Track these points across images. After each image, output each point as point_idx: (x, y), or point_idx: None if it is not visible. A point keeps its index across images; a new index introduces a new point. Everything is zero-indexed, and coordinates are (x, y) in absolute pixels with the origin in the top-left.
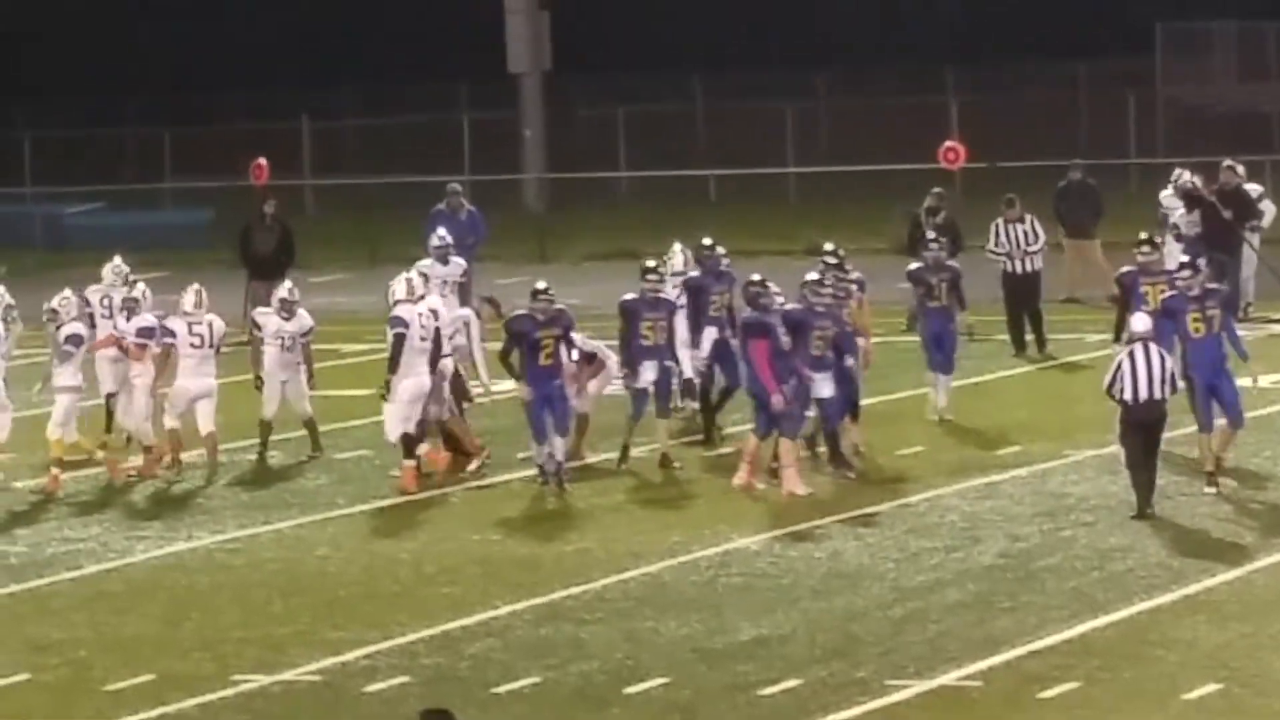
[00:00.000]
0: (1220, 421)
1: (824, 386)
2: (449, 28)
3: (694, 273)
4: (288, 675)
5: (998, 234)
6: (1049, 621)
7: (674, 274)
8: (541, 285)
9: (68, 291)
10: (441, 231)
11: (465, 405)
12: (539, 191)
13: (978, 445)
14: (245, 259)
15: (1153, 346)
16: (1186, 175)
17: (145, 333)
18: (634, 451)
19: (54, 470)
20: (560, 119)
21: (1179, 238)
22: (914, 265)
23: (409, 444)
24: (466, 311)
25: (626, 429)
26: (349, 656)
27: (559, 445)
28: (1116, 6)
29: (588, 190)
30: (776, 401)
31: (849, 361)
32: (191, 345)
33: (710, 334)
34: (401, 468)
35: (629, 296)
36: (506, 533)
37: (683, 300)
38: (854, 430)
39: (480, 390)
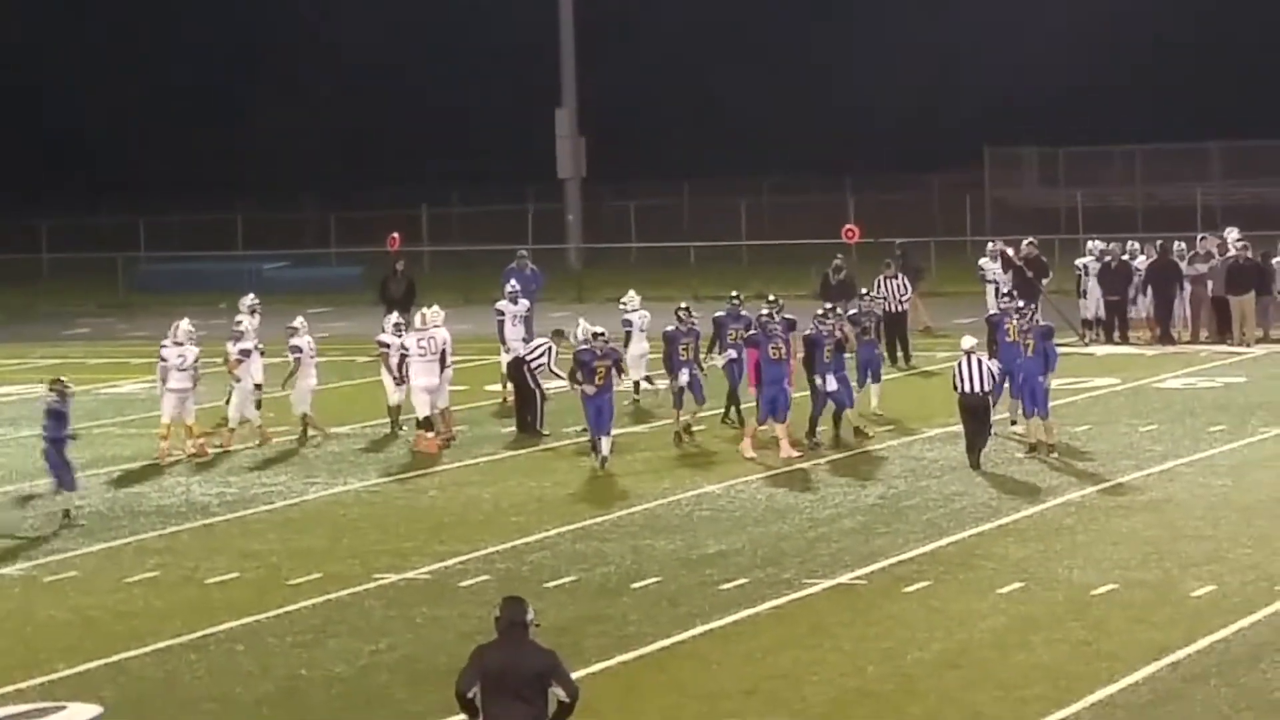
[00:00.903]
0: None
1: (832, 382)
2: (520, 148)
3: (719, 313)
4: (409, 574)
5: (878, 286)
6: (911, 541)
7: (633, 310)
8: (599, 330)
9: (178, 322)
10: (513, 282)
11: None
12: (577, 256)
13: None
14: (383, 300)
15: (975, 356)
16: (1007, 249)
17: (244, 353)
18: (639, 429)
19: (163, 445)
20: (592, 208)
21: (997, 291)
22: (852, 311)
23: (424, 423)
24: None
25: (677, 416)
26: (449, 562)
27: (605, 444)
28: (960, 135)
29: (610, 255)
30: (754, 392)
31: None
32: (309, 356)
33: (729, 353)
34: (419, 436)
35: (670, 328)
36: (556, 481)
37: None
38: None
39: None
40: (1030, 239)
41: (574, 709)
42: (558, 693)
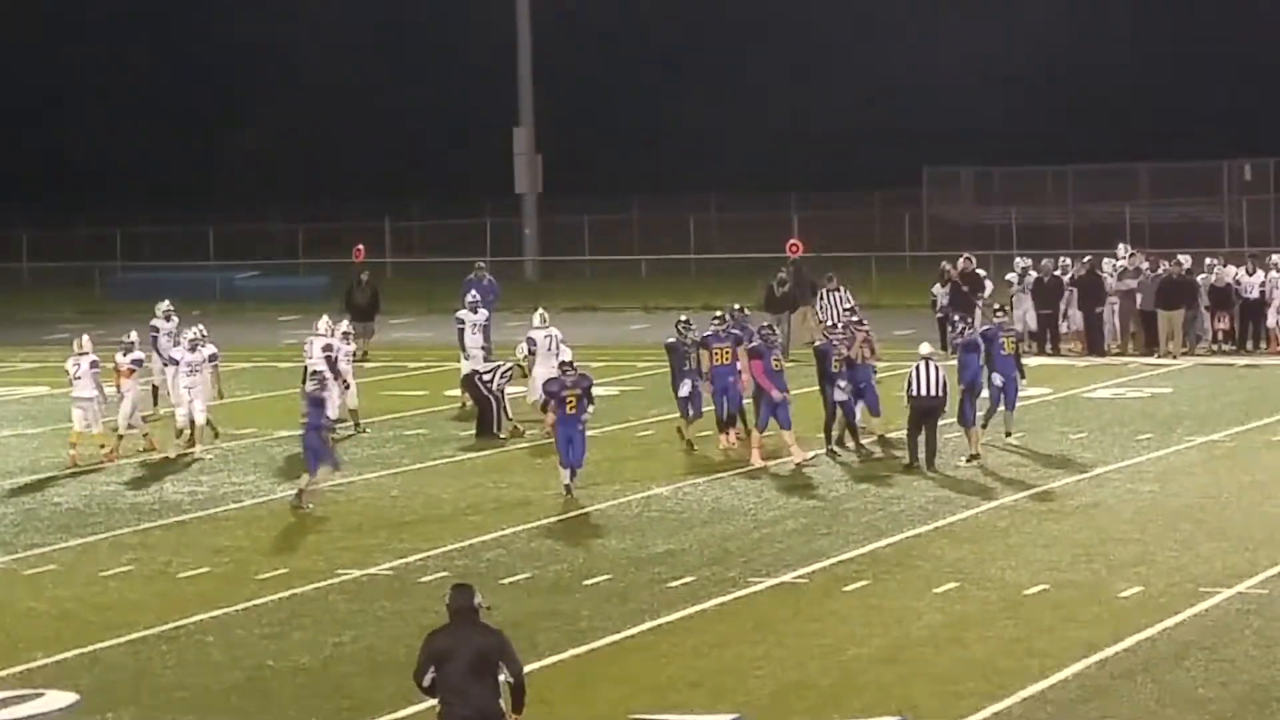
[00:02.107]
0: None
1: (841, 393)
2: (479, 164)
3: (735, 330)
4: (371, 570)
5: (821, 298)
6: (851, 542)
7: (537, 326)
8: (568, 358)
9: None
10: (473, 292)
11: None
12: (533, 268)
13: (809, 431)
14: (349, 308)
15: (931, 363)
16: (955, 264)
17: (136, 363)
18: (589, 433)
19: (71, 452)
20: (548, 223)
21: (934, 305)
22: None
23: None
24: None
25: (684, 424)
26: (410, 559)
27: (567, 472)
28: (899, 155)
29: (564, 268)
30: (776, 396)
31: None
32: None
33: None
34: None
35: (671, 340)
36: (512, 483)
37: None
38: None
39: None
40: (966, 255)
41: (524, 689)
42: (503, 675)
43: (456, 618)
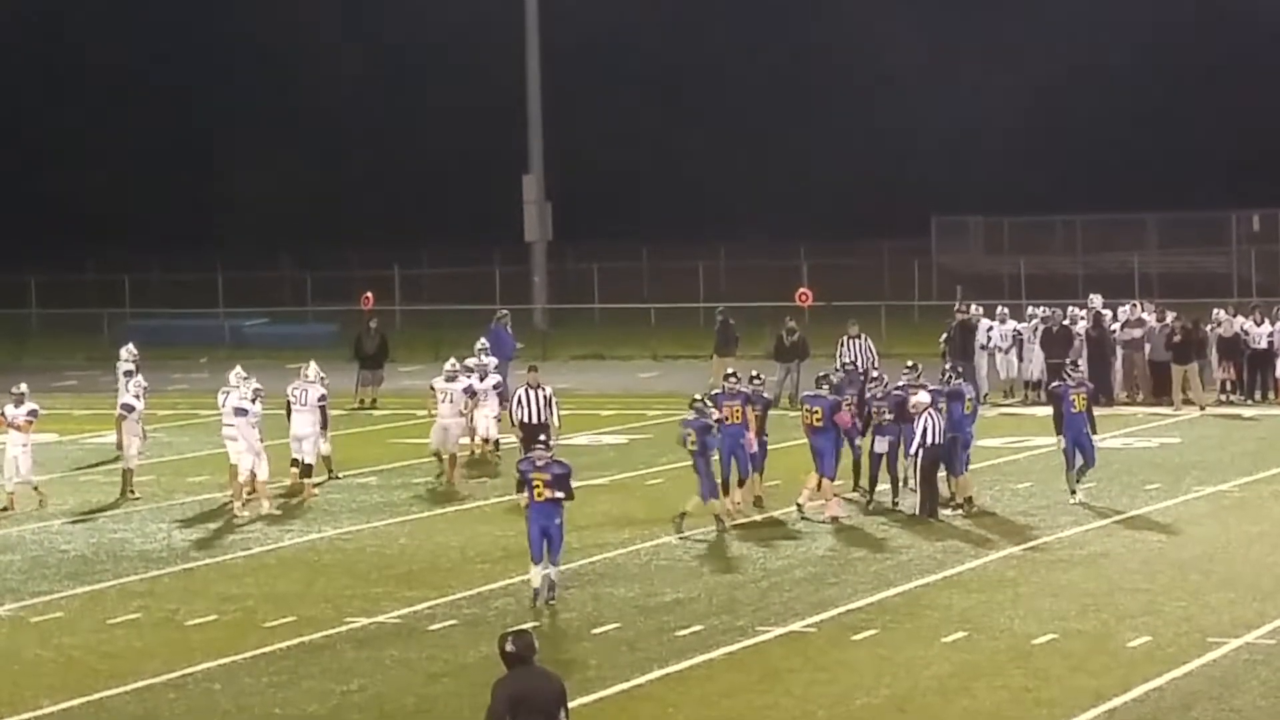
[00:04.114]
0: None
1: (881, 444)
2: (488, 213)
3: (744, 388)
4: (379, 619)
5: (842, 345)
6: (859, 591)
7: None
8: (541, 438)
9: None
10: (482, 340)
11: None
12: (542, 316)
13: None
14: (357, 356)
15: (933, 413)
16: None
17: (32, 414)
18: (599, 481)
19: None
20: (557, 270)
21: (943, 355)
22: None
23: (305, 470)
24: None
25: (756, 482)
26: (418, 607)
27: (538, 572)
28: (909, 204)
29: (573, 315)
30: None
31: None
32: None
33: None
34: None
35: (715, 392)
36: (520, 530)
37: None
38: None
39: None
40: (970, 304)
41: None
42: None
43: (521, 662)
